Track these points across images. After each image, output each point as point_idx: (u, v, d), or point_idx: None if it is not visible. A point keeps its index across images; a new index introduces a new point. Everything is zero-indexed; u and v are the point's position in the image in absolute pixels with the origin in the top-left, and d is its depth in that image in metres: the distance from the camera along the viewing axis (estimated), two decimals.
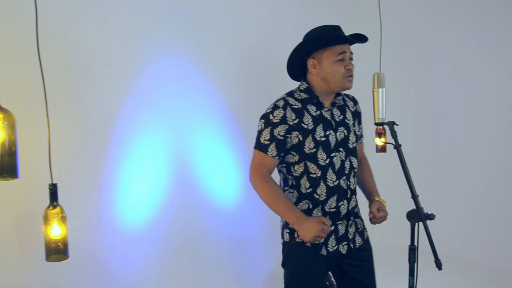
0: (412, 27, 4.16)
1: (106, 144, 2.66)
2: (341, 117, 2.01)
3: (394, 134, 1.81)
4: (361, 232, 2.06)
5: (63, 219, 1.69)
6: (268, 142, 1.91)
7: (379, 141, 3.18)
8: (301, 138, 1.90)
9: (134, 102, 2.79)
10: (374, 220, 2.00)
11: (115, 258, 2.70)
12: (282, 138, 1.90)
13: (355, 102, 2.14)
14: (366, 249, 2.08)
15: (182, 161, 3.05)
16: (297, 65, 2.01)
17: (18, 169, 1.47)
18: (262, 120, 1.94)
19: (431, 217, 1.75)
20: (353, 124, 2.05)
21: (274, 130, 1.89)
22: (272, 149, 1.91)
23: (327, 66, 1.91)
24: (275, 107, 1.92)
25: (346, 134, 1.99)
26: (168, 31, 2.95)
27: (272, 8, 3.56)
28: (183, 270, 3.05)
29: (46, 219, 1.68)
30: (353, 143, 2.02)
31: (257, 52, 3.49)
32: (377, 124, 1.85)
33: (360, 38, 1.92)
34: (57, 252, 1.69)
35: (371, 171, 2.24)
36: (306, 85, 1.98)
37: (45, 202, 1.70)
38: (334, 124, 1.97)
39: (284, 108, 1.90)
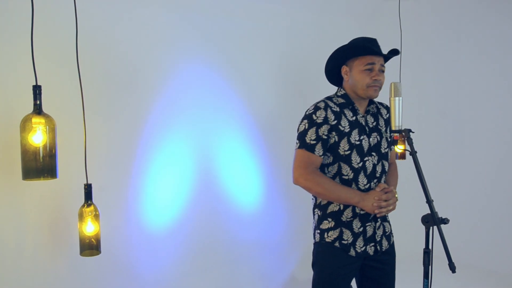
0: (432, 37, 4.19)
1: (134, 148, 2.79)
2: (374, 123, 2.10)
3: (410, 141, 1.86)
4: (388, 236, 2.13)
5: (96, 217, 1.81)
6: (315, 141, 1.98)
7: (398, 149, 3.25)
8: (337, 139, 1.99)
9: (160, 109, 2.91)
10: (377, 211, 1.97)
11: (140, 257, 2.81)
12: (326, 137, 1.99)
13: (388, 110, 2.21)
14: (390, 253, 2.14)
15: (205, 165, 3.14)
16: (334, 70, 2.14)
17: (57, 169, 1.58)
18: (305, 121, 2.02)
19: (445, 221, 1.79)
20: (385, 131, 2.14)
21: (319, 130, 1.98)
22: (319, 148, 1.99)
23: (355, 74, 2.02)
24: (316, 108, 2.02)
25: (378, 139, 2.08)
26: (193, 39, 3.07)
27: (294, 18, 3.63)
28: (204, 271, 3.13)
29: (81, 217, 1.80)
30: (385, 148, 2.11)
31: (280, 60, 3.57)
32: (393, 131, 1.90)
33: (391, 52, 2.03)
34: (90, 247, 1.82)
35: (394, 174, 2.25)
36: (344, 91, 2.10)
37: (79, 200, 1.82)
38: (367, 129, 2.06)
39: (325, 109, 2.00)
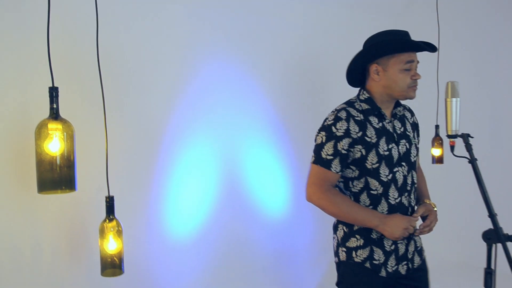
0: (473, 31, 3.92)
1: (155, 154, 2.64)
2: (402, 129, 1.90)
3: (469, 147, 1.68)
4: (420, 251, 1.96)
5: (119, 233, 1.64)
6: (332, 157, 1.77)
7: (436, 152, 3.04)
8: (364, 153, 1.77)
9: (182, 111, 2.76)
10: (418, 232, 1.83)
11: (163, 270, 2.66)
12: (345, 152, 1.77)
13: (412, 113, 2.04)
14: (423, 269, 1.97)
15: (231, 171, 2.98)
16: (356, 70, 1.90)
17: (76, 181, 1.43)
18: (323, 133, 1.81)
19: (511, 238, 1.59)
20: (413, 137, 1.94)
21: (338, 144, 1.76)
22: (336, 165, 1.78)
23: (392, 74, 1.78)
24: (337, 118, 1.78)
25: (408, 147, 1.88)
26: (213, 37, 2.91)
27: (322, 14, 3.45)
28: (230, 281, 2.98)
29: (102, 233, 1.63)
30: (414, 157, 1.91)
31: (308, 59, 3.39)
32: (450, 136, 1.72)
33: (431, 47, 1.80)
34: (112, 266, 1.65)
35: (424, 181, 2.11)
36: (367, 95, 1.86)
37: (99, 214, 1.66)
38: (396, 136, 1.85)
39: (347, 120, 1.77)
